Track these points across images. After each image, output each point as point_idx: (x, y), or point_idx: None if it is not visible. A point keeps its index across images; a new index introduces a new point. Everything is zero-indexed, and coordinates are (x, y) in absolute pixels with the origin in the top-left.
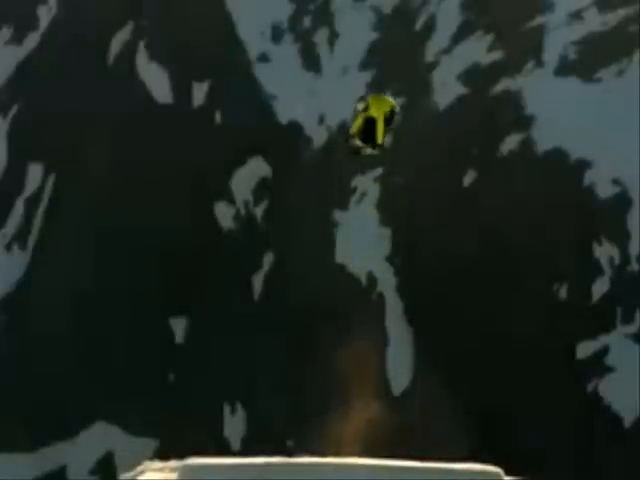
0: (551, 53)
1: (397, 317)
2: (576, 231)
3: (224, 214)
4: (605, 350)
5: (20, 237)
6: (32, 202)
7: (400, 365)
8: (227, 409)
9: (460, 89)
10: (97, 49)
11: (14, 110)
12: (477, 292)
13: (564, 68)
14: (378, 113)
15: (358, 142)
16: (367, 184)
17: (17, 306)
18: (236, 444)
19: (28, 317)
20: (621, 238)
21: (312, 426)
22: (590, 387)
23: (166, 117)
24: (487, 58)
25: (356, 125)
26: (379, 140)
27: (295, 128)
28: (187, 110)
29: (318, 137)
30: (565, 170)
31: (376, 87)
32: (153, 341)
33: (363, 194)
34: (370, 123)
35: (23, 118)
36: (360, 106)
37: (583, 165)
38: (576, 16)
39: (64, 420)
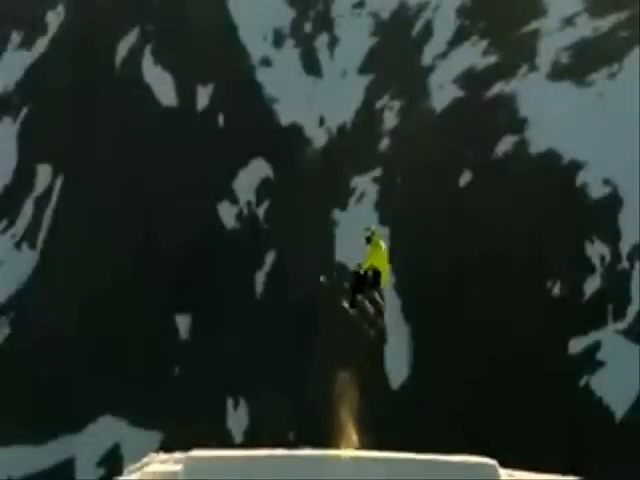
0: (544, 57)
1: (395, 314)
2: (568, 230)
3: (227, 214)
4: (597, 346)
5: (30, 236)
6: (41, 202)
7: (398, 360)
8: (230, 402)
9: (456, 92)
10: (104, 54)
11: (24, 113)
12: (472, 289)
13: (557, 72)
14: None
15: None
16: (366, 184)
17: (27, 303)
18: (239, 436)
19: (37, 313)
20: (612, 237)
21: (312, 419)
22: (582, 382)
23: (171, 119)
24: (482, 62)
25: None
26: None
27: (296, 130)
28: (191, 113)
29: (318, 139)
30: (558, 171)
31: (375, 90)
32: (158, 337)
33: (362, 194)
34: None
35: (32, 120)
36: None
37: (575, 166)
38: (568, 22)
39: (72, 414)
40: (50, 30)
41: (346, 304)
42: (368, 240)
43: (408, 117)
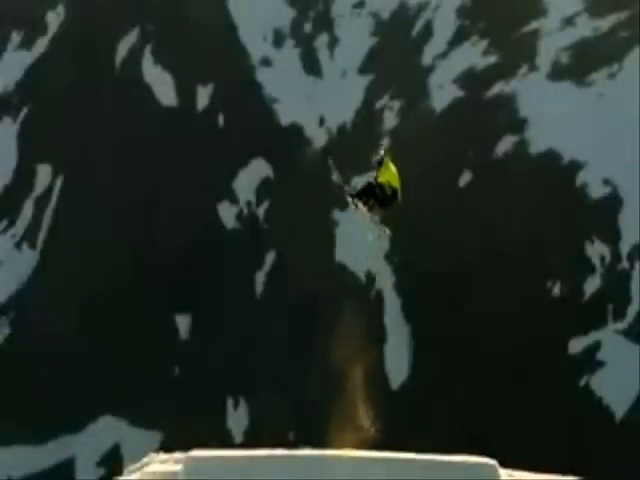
0: (544, 57)
1: (395, 314)
2: (569, 230)
3: (227, 214)
4: (597, 346)
5: (30, 236)
6: (41, 202)
7: (398, 360)
8: (230, 402)
9: (456, 92)
10: (104, 54)
11: (24, 113)
12: (472, 289)
13: (557, 72)
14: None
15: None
16: None
17: (27, 303)
18: (239, 436)
19: (37, 313)
20: (612, 237)
21: (312, 419)
22: (582, 382)
23: (171, 119)
24: (482, 62)
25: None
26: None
27: (296, 130)
28: (191, 113)
29: (318, 139)
30: (558, 171)
31: (375, 90)
32: (158, 337)
33: None
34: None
35: (32, 120)
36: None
37: (575, 166)
38: (568, 22)
39: (72, 414)
40: (50, 30)
41: (364, 208)
42: (379, 163)
43: (408, 117)
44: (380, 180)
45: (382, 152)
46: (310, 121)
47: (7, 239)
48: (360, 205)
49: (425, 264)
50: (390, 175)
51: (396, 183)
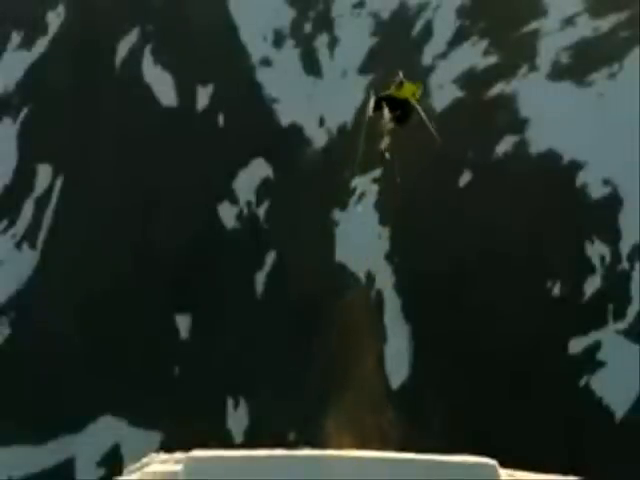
0: (544, 57)
1: (395, 314)
2: (568, 230)
3: (227, 214)
4: (597, 346)
5: (30, 236)
6: (41, 202)
7: (398, 360)
8: (230, 402)
9: (456, 92)
10: (104, 54)
11: (24, 113)
12: (472, 289)
13: (557, 72)
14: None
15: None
16: (366, 184)
17: (27, 303)
18: (239, 436)
19: (37, 313)
20: (612, 237)
21: (312, 419)
22: (582, 382)
23: (171, 119)
24: (482, 62)
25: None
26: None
27: (296, 130)
28: (191, 113)
29: (318, 139)
30: (558, 171)
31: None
32: (158, 337)
33: (362, 194)
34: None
35: (32, 120)
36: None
37: (575, 166)
38: (568, 22)
39: (72, 414)
40: (50, 30)
41: (388, 115)
42: (401, 83)
43: None
44: (406, 96)
45: (400, 74)
46: (310, 121)
47: (7, 239)
48: (386, 111)
49: (425, 264)
50: (411, 94)
51: (414, 101)
